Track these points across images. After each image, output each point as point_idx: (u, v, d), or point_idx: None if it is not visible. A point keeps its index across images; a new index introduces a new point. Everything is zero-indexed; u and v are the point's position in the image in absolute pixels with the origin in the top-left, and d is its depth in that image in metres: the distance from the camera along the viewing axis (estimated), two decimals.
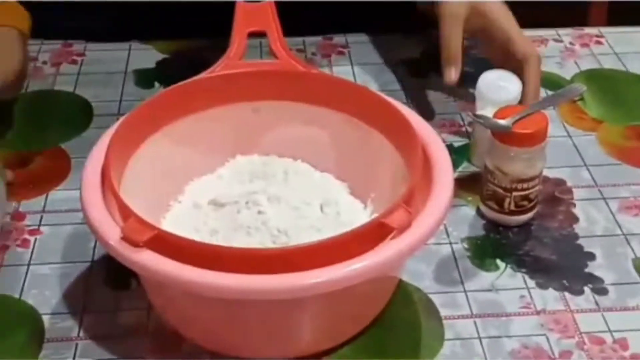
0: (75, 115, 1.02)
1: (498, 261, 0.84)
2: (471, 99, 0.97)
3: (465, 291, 0.81)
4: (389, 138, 0.81)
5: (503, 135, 0.84)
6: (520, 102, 0.93)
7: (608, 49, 1.14)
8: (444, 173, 0.76)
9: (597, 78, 1.09)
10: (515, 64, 0.96)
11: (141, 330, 0.77)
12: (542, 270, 0.83)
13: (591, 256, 0.85)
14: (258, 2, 0.86)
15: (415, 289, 0.81)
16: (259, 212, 0.78)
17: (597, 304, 0.80)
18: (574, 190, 0.92)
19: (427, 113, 1.00)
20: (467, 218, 0.89)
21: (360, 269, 0.67)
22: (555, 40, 1.15)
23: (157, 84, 1.07)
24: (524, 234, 0.87)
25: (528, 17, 1.04)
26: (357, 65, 1.10)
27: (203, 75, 0.84)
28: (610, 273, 0.83)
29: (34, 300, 0.80)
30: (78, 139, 0.98)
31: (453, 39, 0.96)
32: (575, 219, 0.89)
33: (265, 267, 0.67)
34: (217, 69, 0.84)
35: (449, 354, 0.76)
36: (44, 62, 1.11)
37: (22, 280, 0.82)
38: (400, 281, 0.80)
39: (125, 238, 0.68)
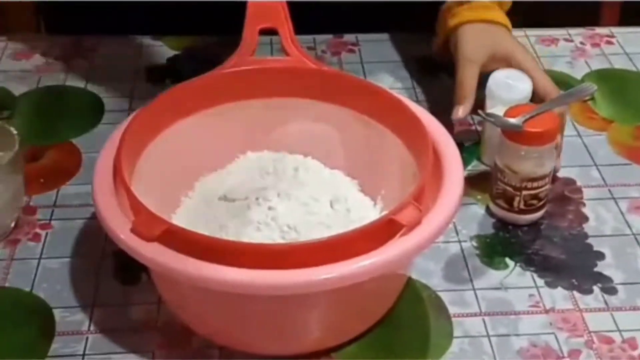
0: (86, 111, 1.03)
1: (507, 260, 0.84)
2: (481, 98, 0.97)
3: (474, 289, 0.81)
4: (399, 136, 0.81)
5: (513, 134, 0.84)
6: (531, 100, 0.92)
7: (619, 49, 1.14)
8: (454, 171, 0.76)
9: (608, 78, 1.09)
10: (536, 102, 0.95)
11: (151, 324, 0.78)
12: (551, 269, 0.83)
13: (600, 255, 0.85)
14: None
15: (424, 287, 0.81)
16: (269, 208, 0.78)
17: (606, 303, 0.80)
18: (583, 189, 0.92)
19: (437, 111, 1.00)
20: (476, 216, 0.89)
21: (369, 265, 0.68)
22: (566, 40, 1.15)
23: (167, 80, 1.07)
24: (533, 232, 0.87)
25: (539, 17, 1.03)
26: (367, 63, 1.10)
27: (214, 71, 0.84)
28: (619, 272, 0.83)
29: (44, 294, 0.80)
30: (89, 134, 0.99)
31: (468, 81, 0.95)
32: (585, 219, 0.89)
33: (274, 263, 0.67)
34: (228, 66, 0.84)
35: (458, 351, 0.76)
36: (56, 58, 1.11)
37: (33, 274, 0.82)
38: (409, 279, 0.81)
39: (136, 232, 0.69)
